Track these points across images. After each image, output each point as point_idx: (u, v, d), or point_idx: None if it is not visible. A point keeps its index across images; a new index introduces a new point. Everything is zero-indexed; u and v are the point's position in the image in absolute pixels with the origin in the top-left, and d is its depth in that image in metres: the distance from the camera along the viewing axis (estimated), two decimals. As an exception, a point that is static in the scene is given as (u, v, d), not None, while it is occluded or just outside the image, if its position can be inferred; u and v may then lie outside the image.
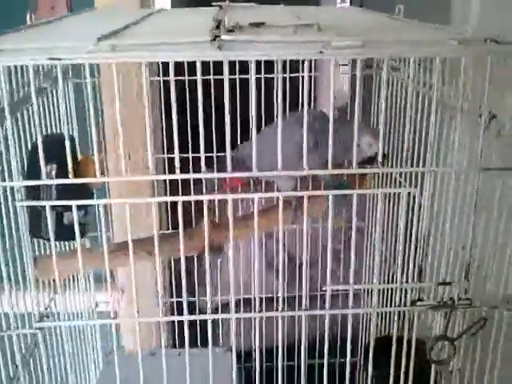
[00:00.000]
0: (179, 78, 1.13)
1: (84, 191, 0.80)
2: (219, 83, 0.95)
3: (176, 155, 0.62)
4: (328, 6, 1.22)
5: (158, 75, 1.28)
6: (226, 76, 0.58)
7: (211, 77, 1.14)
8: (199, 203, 0.66)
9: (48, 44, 0.57)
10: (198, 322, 1.40)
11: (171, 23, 0.85)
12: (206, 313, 0.70)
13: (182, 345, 1.47)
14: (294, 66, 1.31)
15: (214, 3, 1.03)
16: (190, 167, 1.14)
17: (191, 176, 0.64)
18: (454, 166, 0.61)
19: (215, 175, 0.64)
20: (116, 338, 0.66)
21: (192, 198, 0.66)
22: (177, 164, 0.62)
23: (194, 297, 1.51)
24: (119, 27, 0.69)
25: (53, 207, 0.81)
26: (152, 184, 1.28)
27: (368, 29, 0.70)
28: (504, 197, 0.63)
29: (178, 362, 1.10)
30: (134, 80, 1.18)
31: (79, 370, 1.16)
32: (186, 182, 0.70)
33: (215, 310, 1.52)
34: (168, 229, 1.40)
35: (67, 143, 0.63)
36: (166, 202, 1.28)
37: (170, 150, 1.31)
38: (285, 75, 1.19)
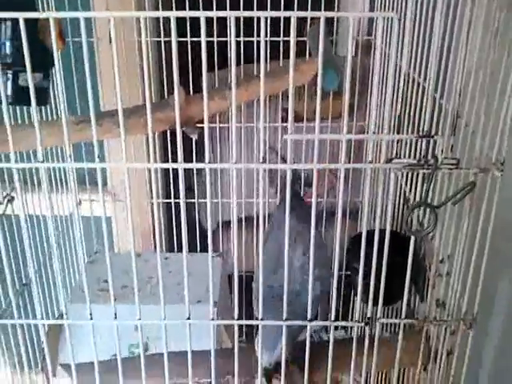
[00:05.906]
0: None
1: (43, 55, 0.74)
2: None
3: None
4: None
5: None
6: None
7: None
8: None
9: None
10: (197, 233, 1.35)
11: None
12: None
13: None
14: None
15: None
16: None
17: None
18: None
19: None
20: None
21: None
22: None
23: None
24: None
25: (4, 65, 0.76)
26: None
27: None
28: None
29: (165, 265, 1.06)
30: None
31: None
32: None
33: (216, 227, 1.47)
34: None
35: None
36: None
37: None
38: None
